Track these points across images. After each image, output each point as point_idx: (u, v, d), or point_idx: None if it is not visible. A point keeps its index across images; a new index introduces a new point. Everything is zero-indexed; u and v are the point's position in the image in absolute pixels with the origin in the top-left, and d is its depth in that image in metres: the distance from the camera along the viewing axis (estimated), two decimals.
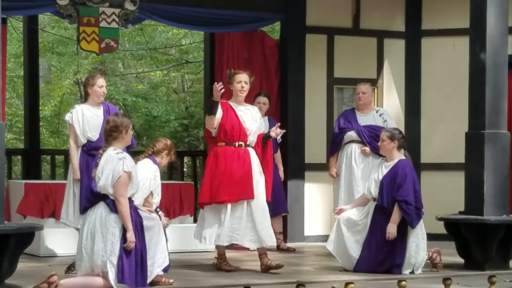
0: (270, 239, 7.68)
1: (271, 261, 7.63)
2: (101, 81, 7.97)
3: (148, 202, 7.20)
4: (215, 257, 7.92)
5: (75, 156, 7.90)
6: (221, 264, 7.79)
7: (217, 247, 7.82)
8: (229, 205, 7.61)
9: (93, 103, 7.99)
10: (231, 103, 7.83)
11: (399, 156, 7.93)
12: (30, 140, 10.72)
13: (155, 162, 7.39)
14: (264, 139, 7.94)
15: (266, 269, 7.59)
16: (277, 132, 7.91)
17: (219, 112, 7.70)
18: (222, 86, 7.57)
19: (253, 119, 7.85)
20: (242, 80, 7.82)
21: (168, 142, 7.58)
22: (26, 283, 6.68)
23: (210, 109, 7.72)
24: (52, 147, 15.68)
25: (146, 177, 7.22)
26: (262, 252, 7.71)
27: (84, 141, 7.90)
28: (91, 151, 7.80)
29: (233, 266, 7.78)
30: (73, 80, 16.29)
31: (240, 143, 7.76)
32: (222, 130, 7.75)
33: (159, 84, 17.46)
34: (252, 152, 7.81)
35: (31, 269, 7.80)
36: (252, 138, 7.83)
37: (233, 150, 7.73)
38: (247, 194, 7.66)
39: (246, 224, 7.63)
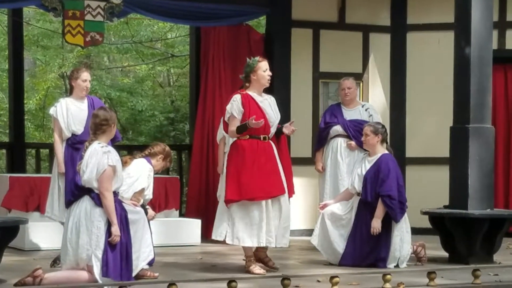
0: (285, 241, 7.43)
1: (268, 258, 7.43)
2: (85, 75, 7.94)
3: (136, 198, 7.21)
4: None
5: (60, 149, 7.89)
6: (250, 266, 7.30)
7: (246, 248, 7.36)
8: (263, 203, 7.25)
9: (77, 96, 7.97)
10: (251, 93, 7.43)
11: (382, 150, 7.96)
12: (14, 133, 10.67)
13: (150, 163, 7.43)
14: (277, 133, 7.61)
15: (259, 261, 7.40)
16: (290, 130, 7.57)
17: (241, 110, 7.33)
18: (263, 122, 7.24)
19: (272, 110, 7.51)
20: (268, 68, 7.45)
21: (166, 148, 7.60)
22: (10, 277, 6.65)
23: (241, 129, 7.32)
24: (37, 140, 15.62)
25: (140, 174, 7.25)
26: (265, 251, 7.47)
27: (68, 134, 7.89)
28: (76, 145, 7.79)
29: (265, 267, 7.41)
30: (58, 73, 16.23)
31: (265, 136, 7.41)
32: None
33: (144, 78, 17.42)
34: (273, 145, 7.48)
35: (15, 263, 7.78)
36: (273, 130, 7.50)
37: (259, 143, 7.36)
38: (280, 189, 7.34)
39: (274, 222, 7.31)
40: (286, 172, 7.56)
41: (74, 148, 7.81)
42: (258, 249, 7.45)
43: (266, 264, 7.45)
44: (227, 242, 7.41)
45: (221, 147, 9.73)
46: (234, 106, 7.36)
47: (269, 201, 7.30)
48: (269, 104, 7.51)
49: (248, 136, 7.37)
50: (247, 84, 7.49)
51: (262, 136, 7.40)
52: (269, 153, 7.41)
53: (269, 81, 7.52)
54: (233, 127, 7.40)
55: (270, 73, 7.51)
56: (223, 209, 7.42)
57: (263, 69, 7.45)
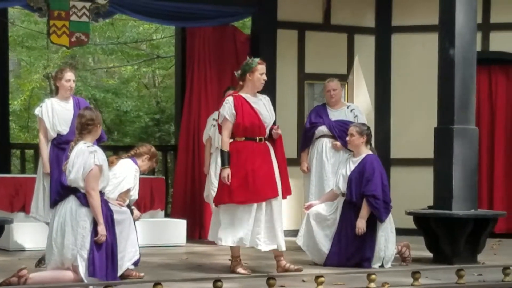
0: (284, 244, 7.32)
1: (289, 264, 7.33)
2: (68, 75, 7.92)
3: (122, 198, 7.22)
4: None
5: (45, 150, 7.87)
6: (235, 267, 7.30)
7: (233, 248, 7.33)
8: (254, 205, 7.18)
9: (62, 97, 7.97)
10: (243, 95, 7.34)
11: (366, 151, 8.00)
12: None
13: (136, 163, 7.45)
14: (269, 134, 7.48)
15: (284, 271, 7.27)
16: (276, 134, 7.42)
17: (233, 113, 7.26)
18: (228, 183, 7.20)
19: (267, 110, 7.40)
20: (264, 72, 7.38)
21: (152, 148, 7.64)
22: None
23: (222, 157, 7.32)
24: (22, 141, 15.58)
25: (126, 174, 7.26)
26: (280, 254, 7.35)
27: (54, 135, 7.87)
28: (61, 145, 7.78)
29: (248, 269, 7.35)
30: (43, 74, 16.20)
31: (260, 137, 7.30)
32: (241, 127, 7.26)
33: (130, 79, 17.40)
34: (270, 146, 7.38)
35: (0, 263, 7.76)
36: (268, 131, 7.39)
37: (255, 145, 7.27)
38: (273, 192, 7.23)
39: (265, 225, 7.22)
40: (283, 172, 7.47)
41: (59, 148, 7.79)
42: (276, 258, 7.38)
43: (287, 268, 7.30)
44: (209, 239, 7.47)
45: (207, 148, 9.76)
46: (226, 108, 7.29)
47: (262, 203, 7.24)
48: (263, 105, 7.43)
49: (243, 138, 7.31)
50: (241, 83, 7.42)
51: (257, 138, 7.32)
52: (265, 155, 7.32)
53: (263, 85, 7.44)
54: (226, 132, 7.32)
55: (266, 78, 7.44)
56: (215, 210, 7.42)
57: (260, 72, 7.38)
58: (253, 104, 7.36)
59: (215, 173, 9.61)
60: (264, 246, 7.27)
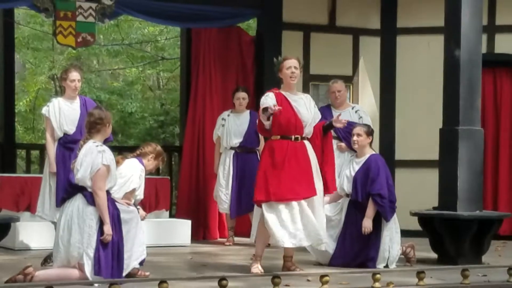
0: (322, 241, 7.33)
1: (294, 267, 7.35)
2: (73, 75, 7.93)
3: (127, 198, 7.23)
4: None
5: (52, 149, 7.89)
6: (290, 266, 7.33)
7: (258, 246, 7.33)
8: (293, 204, 7.13)
9: (69, 96, 8.00)
10: (284, 93, 7.32)
11: (370, 151, 8.03)
12: (5, 134, 10.66)
13: (141, 163, 7.46)
14: (326, 128, 7.46)
15: (288, 270, 7.32)
16: (342, 122, 7.40)
17: (275, 104, 7.16)
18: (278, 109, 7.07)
19: (307, 109, 7.31)
20: (292, 66, 7.30)
21: (158, 147, 7.66)
22: (1, 276, 6.65)
23: (264, 112, 7.12)
24: (27, 142, 15.60)
25: (132, 174, 7.28)
26: (289, 255, 7.38)
27: (60, 134, 7.90)
28: (68, 145, 7.81)
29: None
30: (48, 75, 16.23)
31: (296, 136, 7.23)
32: (277, 123, 7.19)
33: (134, 81, 17.42)
34: (308, 145, 7.28)
35: (6, 262, 7.79)
36: (308, 130, 7.29)
37: (290, 144, 7.19)
38: (309, 191, 7.18)
39: (309, 224, 7.18)
40: (330, 169, 7.46)
41: (66, 148, 7.82)
42: (285, 258, 7.40)
43: (291, 270, 7.34)
44: (269, 243, 7.40)
45: (217, 147, 9.79)
46: (268, 100, 7.20)
47: (302, 202, 7.19)
48: (304, 104, 7.36)
49: (279, 137, 7.25)
50: (282, 84, 7.43)
51: (293, 137, 7.24)
52: (301, 154, 7.23)
53: (293, 79, 7.34)
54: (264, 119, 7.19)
55: (294, 71, 7.33)
56: (258, 212, 7.35)
57: (286, 67, 7.33)
58: (293, 102, 7.29)
59: (223, 174, 9.63)
60: (305, 242, 7.27)
